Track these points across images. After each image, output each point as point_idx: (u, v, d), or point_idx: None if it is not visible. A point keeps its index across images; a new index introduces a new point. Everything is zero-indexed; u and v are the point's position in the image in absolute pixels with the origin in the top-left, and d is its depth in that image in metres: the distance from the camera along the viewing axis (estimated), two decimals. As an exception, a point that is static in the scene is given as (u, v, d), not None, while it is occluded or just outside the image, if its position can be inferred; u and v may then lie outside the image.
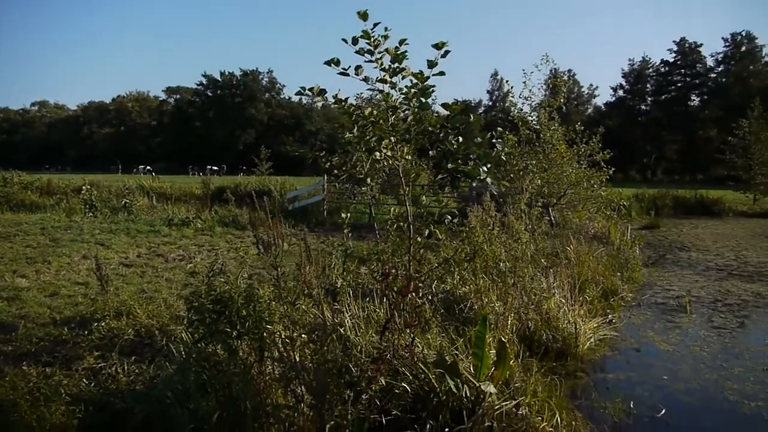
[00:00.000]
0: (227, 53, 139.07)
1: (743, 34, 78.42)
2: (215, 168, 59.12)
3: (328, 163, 5.91)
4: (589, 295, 8.19)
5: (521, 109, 16.64)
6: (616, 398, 5.28)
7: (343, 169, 5.72)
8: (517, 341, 5.97)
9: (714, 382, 5.92)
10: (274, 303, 3.82)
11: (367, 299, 5.58)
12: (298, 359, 3.81)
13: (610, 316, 8.03)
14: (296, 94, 5.52)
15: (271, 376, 3.84)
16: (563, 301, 7.14)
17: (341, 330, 4.58)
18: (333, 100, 5.60)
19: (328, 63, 5.18)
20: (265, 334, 3.76)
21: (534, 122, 16.73)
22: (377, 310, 5.31)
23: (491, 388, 4.24)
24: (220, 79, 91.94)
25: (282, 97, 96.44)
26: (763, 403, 5.34)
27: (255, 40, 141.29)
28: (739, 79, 74.93)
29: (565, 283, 7.62)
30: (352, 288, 5.55)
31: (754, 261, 14.02)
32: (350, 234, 6.21)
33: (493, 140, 6.83)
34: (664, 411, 5.11)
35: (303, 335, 3.91)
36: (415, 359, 4.37)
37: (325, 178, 19.39)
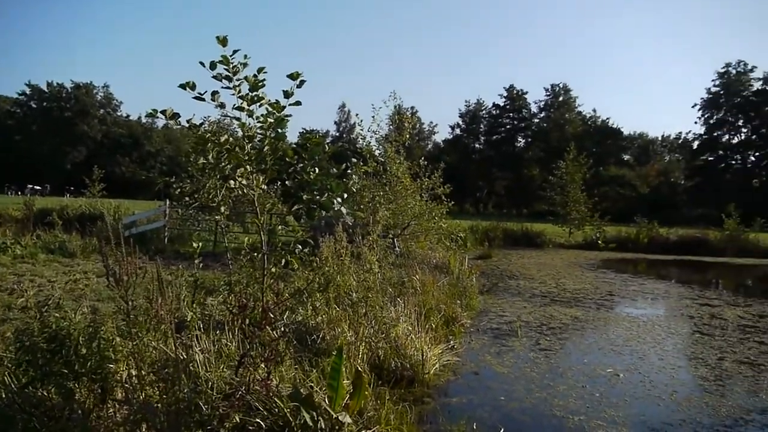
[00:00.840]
0: (56, 63, 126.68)
1: (560, 85, 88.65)
2: (38, 187, 53.15)
3: (179, 190, 5.66)
4: (433, 322, 8.59)
5: (369, 143, 17.22)
6: (461, 420, 5.58)
7: (195, 196, 5.52)
8: (368, 370, 6.09)
9: (543, 399, 6.50)
10: (119, 339, 3.54)
11: (218, 332, 5.36)
12: (145, 399, 3.55)
13: (452, 342, 8.50)
14: (147, 116, 5.32)
15: (113, 420, 3.52)
16: (410, 328, 7.43)
17: (191, 366, 4.35)
18: (187, 124, 5.42)
19: (183, 86, 5.01)
20: (108, 373, 3.45)
21: (380, 155, 17.41)
22: (229, 343, 5.12)
23: (347, 419, 4.27)
24: (46, 90, 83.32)
25: (119, 114, 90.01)
26: (585, 417, 5.97)
27: (88, 53, 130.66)
28: (557, 125, 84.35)
29: (412, 312, 7.93)
30: (202, 321, 5.31)
31: (571, 288, 15.69)
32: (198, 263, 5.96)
33: (348, 171, 6.99)
34: (502, 430, 5.50)
35: (151, 373, 3.65)
36: (271, 394, 4.27)
37: (167, 203, 18.38)
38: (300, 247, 5.79)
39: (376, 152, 17.53)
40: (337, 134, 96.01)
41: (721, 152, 76.95)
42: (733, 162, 77.12)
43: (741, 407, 6.53)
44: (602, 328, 10.61)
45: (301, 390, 4.57)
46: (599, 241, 31.15)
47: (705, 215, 57.42)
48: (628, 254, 28.87)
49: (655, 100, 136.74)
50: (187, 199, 5.46)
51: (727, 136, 77.22)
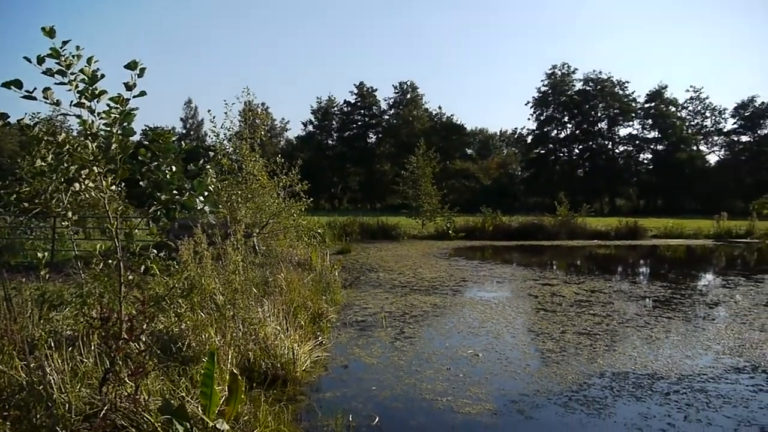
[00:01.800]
0: None
1: (408, 83, 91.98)
2: None
3: (14, 195, 5.07)
4: (301, 319, 8.56)
5: (223, 140, 16.63)
6: (337, 414, 5.62)
7: (36, 201, 4.97)
8: (240, 373, 5.91)
9: (413, 385, 6.76)
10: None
11: (70, 349, 4.89)
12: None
13: (320, 338, 8.52)
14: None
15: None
16: (279, 328, 7.34)
17: (43, 389, 3.93)
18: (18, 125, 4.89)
19: (6, 85, 4.50)
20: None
21: (231, 153, 16.88)
22: (84, 360, 4.69)
23: (224, 426, 4.13)
24: None
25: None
26: (452, 397, 6.31)
27: None
28: (406, 121, 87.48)
29: (280, 311, 7.83)
30: (52, 338, 4.81)
31: (428, 277, 16.42)
32: (35, 275, 5.40)
33: (207, 168, 6.73)
34: (378, 419, 5.64)
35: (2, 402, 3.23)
36: (140, 409, 4.00)
37: (-10, 210, 16.32)
38: (156, 251, 5.46)
39: (229, 149, 16.98)
40: (184, 131, 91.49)
41: (551, 146, 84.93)
42: (561, 154, 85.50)
43: (584, 373, 7.28)
44: (459, 313, 11.23)
45: (172, 401, 4.33)
46: (450, 231, 32.86)
47: (540, 203, 63.20)
48: (476, 242, 30.81)
49: (493, 98, 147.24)
50: (26, 204, 4.89)
51: (555, 131, 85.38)
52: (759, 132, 77.47)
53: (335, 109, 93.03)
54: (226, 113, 16.79)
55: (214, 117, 16.86)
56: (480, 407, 6.06)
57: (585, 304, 12.23)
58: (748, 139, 78.72)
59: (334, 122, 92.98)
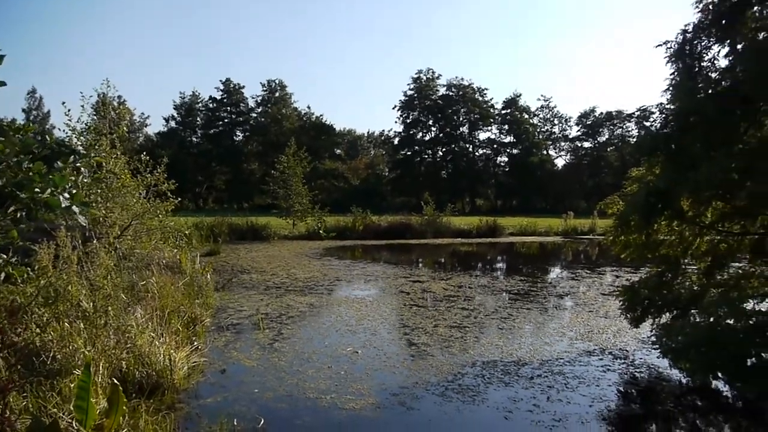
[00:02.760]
0: None
1: (277, 81, 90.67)
2: None
3: None
4: (176, 325, 8.22)
5: (81, 134, 15.38)
6: (221, 420, 5.50)
7: None
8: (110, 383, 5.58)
9: (295, 385, 6.78)
10: None
11: None
12: None
13: (196, 343, 8.23)
14: None
15: None
16: (153, 335, 7.00)
17: None
18: None
19: None
20: None
21: (94, 148, 15.68)
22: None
23: (105, 439, 3.90)
24: None
25: None
26: (335, 394, 6.43)
27: None
28: (274, 120, 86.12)
29: (154, 317, 7.47)
30: None
31: (302, 277, 16.40)
32: None
33: (77, 164, 6.30)
34: (263, 421, 5.60)
35: None
36: (8, 429, 3.66)
37: None
38: (5, 256, 4.99)
39: (80, 147, 15.74)
40: (27, 124, 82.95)
41: (416, 147, 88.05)
42: (426, 156, 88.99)
43: (457, 364, 7.74)
44: (336, 312, 11.38)
45: (43, 419, 4.01)
46: (321, 231, 32.97)
47: (407, 203, 65.28)
48: (347, 242, 31.21)
49: (360, 100, 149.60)
50: None
51: (420, 134, 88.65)
52: (598, 139, 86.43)
53: (200, 105, 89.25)
54: (82, 106, 15.54)
55: (69, 110, 15.47)
56: (363, 402, 6.24)
57: (453, 298, 12.92)
58: (590, 145, 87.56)
59: (198, 119, 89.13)
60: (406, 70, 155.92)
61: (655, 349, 7.97)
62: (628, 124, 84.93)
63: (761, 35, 7.39)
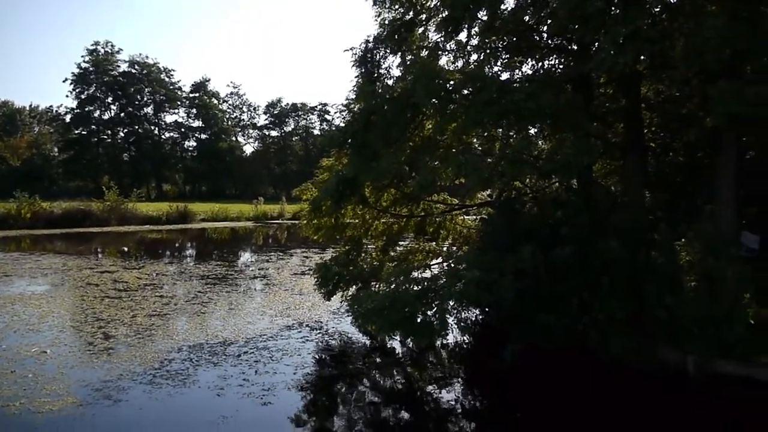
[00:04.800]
0: None
1: None
2: None
3: None
4: None
5: None
6: None
7: None
8: None
9: (-29, 397, 5.91)
10: None
11: None
12: None
13: None
14: None
15: None
16: None
17: None
18: None
19: None
20: None
21: None
22: None
23: None
24: None
25: None
26: (27, 399, 5.84)
27: None
28: None
29: None
30: None
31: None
32: None
33: None
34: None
35: None
36: None
37: None
38: None
39: None
40: None
41: (93, 127, 79.31)
42: (105, 137, 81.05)
43: (163, 350, 7.69)
44: (11, 310, 9.98)
45: None
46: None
47: (83, 187, 58.78)
48: (11, 231, 26.85)
49: (22, 69, 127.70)
50: None
51: (98, 112, 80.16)
52: (285, 128, 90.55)
53: None
54: None
55: None
56: (62, 402, 5.82)
57: (150, 287, 12.48)
58: (277, 134, 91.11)
59: None
60: (81, 39, 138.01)
61: (345, 318, 9.17)
62: (311, 116, 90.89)
63: (424, 53, 9.09)
